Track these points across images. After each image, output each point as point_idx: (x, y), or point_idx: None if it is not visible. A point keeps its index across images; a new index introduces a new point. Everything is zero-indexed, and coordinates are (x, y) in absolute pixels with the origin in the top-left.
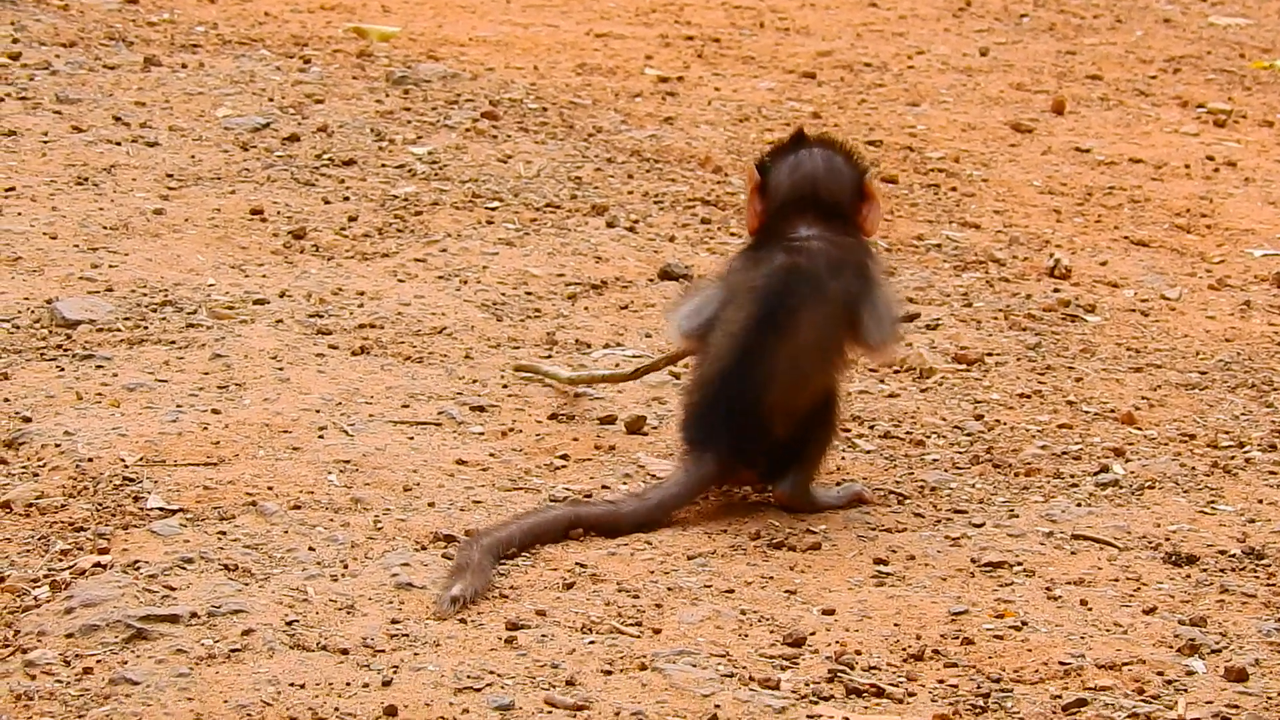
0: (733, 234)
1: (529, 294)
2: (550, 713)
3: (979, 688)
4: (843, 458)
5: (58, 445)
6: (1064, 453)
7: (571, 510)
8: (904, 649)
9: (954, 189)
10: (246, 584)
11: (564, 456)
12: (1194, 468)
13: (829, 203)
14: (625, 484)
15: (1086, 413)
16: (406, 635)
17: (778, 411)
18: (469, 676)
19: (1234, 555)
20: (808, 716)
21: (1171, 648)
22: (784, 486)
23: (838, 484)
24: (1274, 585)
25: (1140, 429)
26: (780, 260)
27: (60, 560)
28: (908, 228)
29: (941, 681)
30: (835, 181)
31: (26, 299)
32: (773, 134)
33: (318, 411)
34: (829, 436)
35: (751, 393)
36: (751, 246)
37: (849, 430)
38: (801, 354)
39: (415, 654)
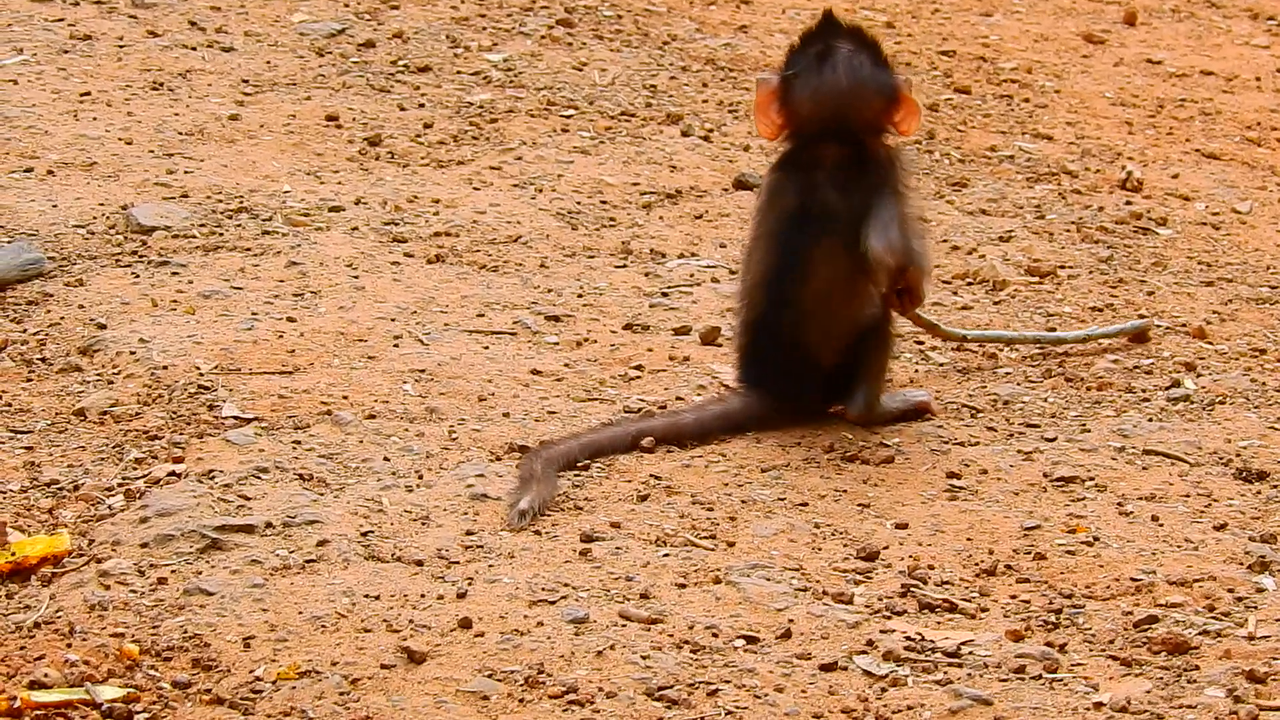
0: None
1: (604, 203)
2: (624, 625)
3: (1051, 603)
4: (916, 370)
5: (133, 353)
6: (1135, 367)
7: (634, 425)
8: (977, 564)
9: (1026, 100)
10: (321, 494)
11: (638, 367)
12: (1265, 383)
13: (857, 119)
14: (699, 395)
15: (1158, 327)
16: (481, 547)
17: (820, 347)
18: (543, 589)
19: None
20: (881, 631)
21: (1242, 564)
22: (853, 406)
23: (903, 392)
24: None
25: (1211, 344)
26: (792, 200)
27: (135, 469)
28: (981, 139)
29: (1014, 597)
30: (862, 97)
31: (102, 205)
32: None
33: (393, 320)
34: (884, 354)
35: (789, 335)
36: (777, 165)
37: (922, 343)
38: (824, 293)
39: (490, 566)
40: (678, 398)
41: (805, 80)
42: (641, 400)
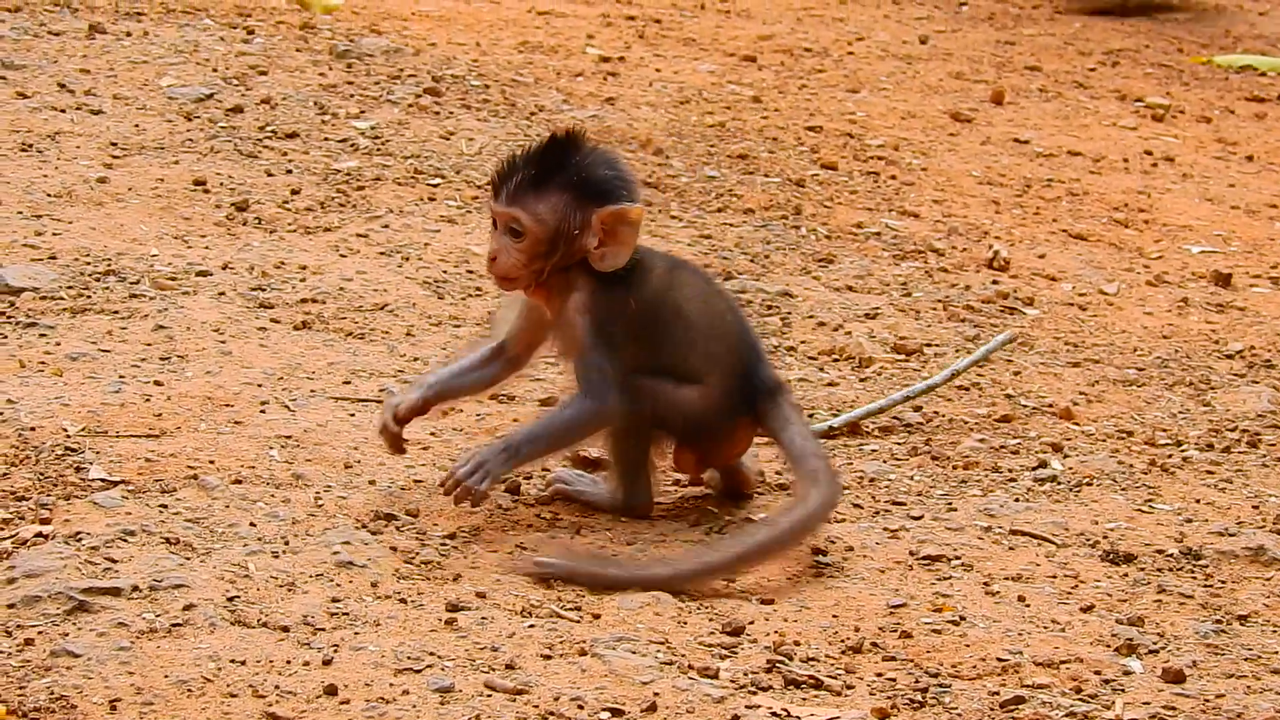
0: (673, 217)
1: (470, 272)
2: (490, 695)
3: (917, 682)
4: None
5: (0, 413)
6: (1002, 447)
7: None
8: (843, 641)
9: (893, 177)
10: (188, 558)
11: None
12: (1132, 465)
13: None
14: (564, 465)
15: (1025, 407)
16: (347, 614)
17: None
18: (409, 657)
19: (1171, 555)
20: (746, 707)
21: (1109, 647)
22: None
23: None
24: (1211, 586)
25: (1078, 424)
26: None
27: (1, 529)
28: (847, 215)
29: (880, 675)
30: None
31: None
32: (713, 117)
33: (260, 386)
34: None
35: None
36: None
37: None
38: None
39: (356, 633)
40: (544, 469)
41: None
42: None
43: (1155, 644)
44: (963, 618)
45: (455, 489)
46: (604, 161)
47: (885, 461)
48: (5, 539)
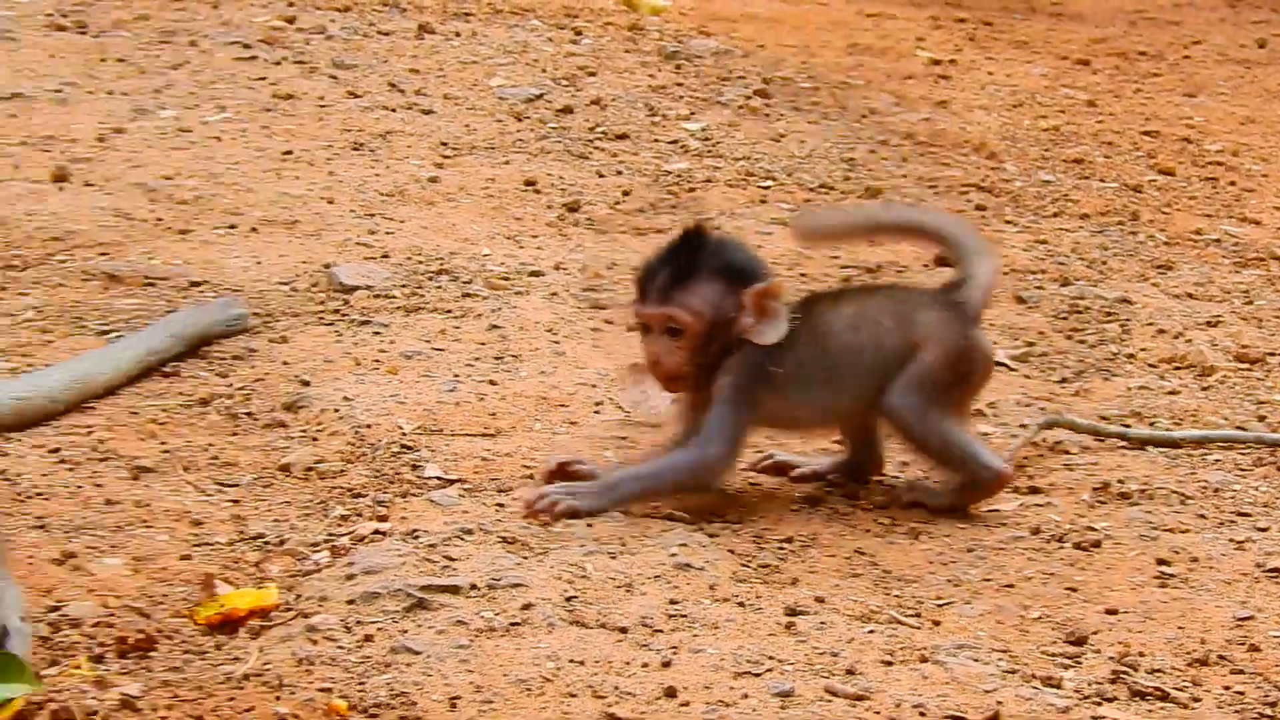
0: (1008, 221)
1: (803, 275)
2: (830, 701)
3: (1266, 696)
4: (1124, 455)
5: (336, 410)
6: None
7: None
8: (1188, 653)
9: (1233, 183)
10: (525, 558)
11: (839, 442)
12: None
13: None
14: (901, 473)
15: None
16: (685, 616)
17: None
18: (748, 660)
19: None
20: (1092, 717)
21: None
22: None
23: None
24: None
25: None
26: None
27: (340, 525)
28: (1186, 221)
29: (1227, 688)
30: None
31: (304, 263)
32: (1047, 121)
33: (594, 386)
34: None
35: None
36: None
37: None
38: None
39: (694, 635)
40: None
41: None
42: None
43: None
44: None
45: (540, 501)
46: (736, 246)
47: (1230, 472)
48: (343, 535)
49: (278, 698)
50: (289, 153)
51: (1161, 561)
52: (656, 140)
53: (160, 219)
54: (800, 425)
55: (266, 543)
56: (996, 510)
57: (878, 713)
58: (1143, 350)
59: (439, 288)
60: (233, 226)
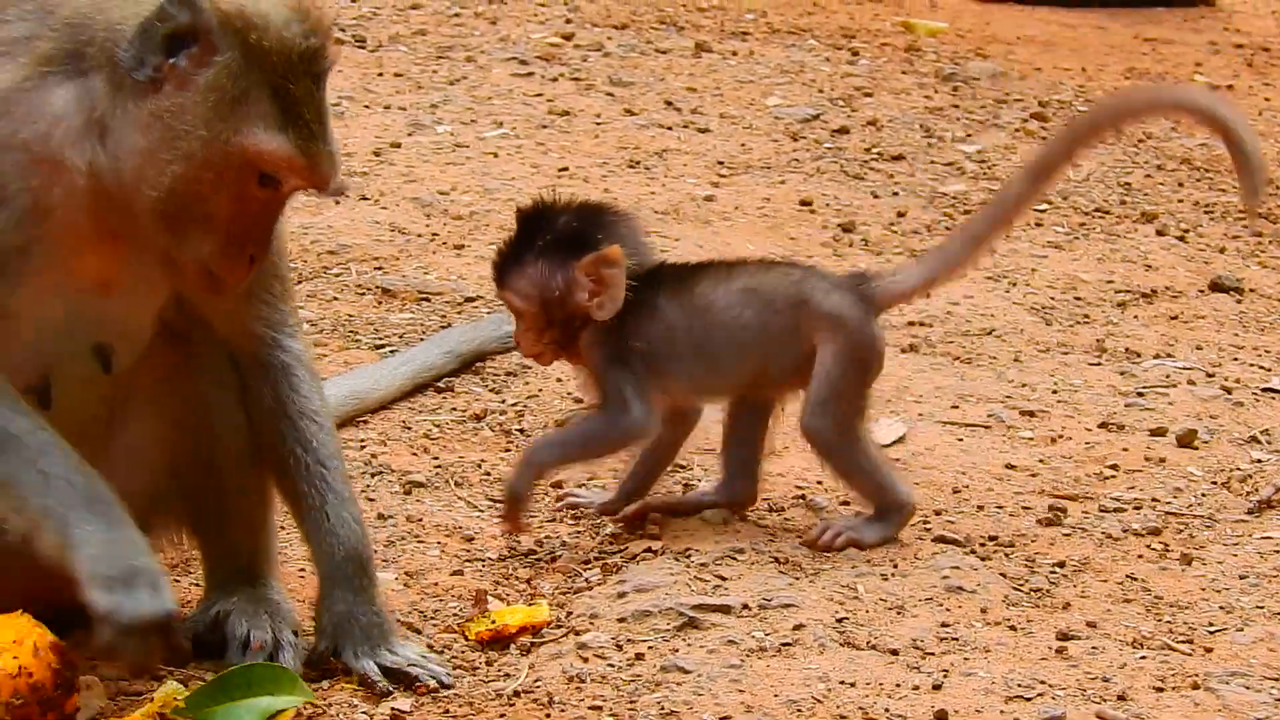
0: None
1: (1078, 299)
2: None
3: None
4: None
5: None
6: None
7: None
8: None
9: None
10: (797, 578)
11: (1113, 466)
12: None
13: None
14: (1175, 499)
15: None
16: (956, 639)
17: None
18: (1019, 684)
19: None
20: None
21: None
22: None
23: None
24: None
25: None
26: None
27: (611, 544)
28: None
29: None
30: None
31: None
32: None
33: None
34: None
35: None
36: None
37: None
38: None
39: (965, 659)
40: (1153, 499)
41: None
42: (1115, 499)
43: None
44: None
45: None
46: (571, 214)
47: None
48: (615, 553)
49: (548, 715)
50: (565, 169)
51: None
52: (933, 162)
53: (435, 234)
54: (695, 395)
55: (538, 559)
56: (1269, 537)
57: None
58: None
59: None
60: None
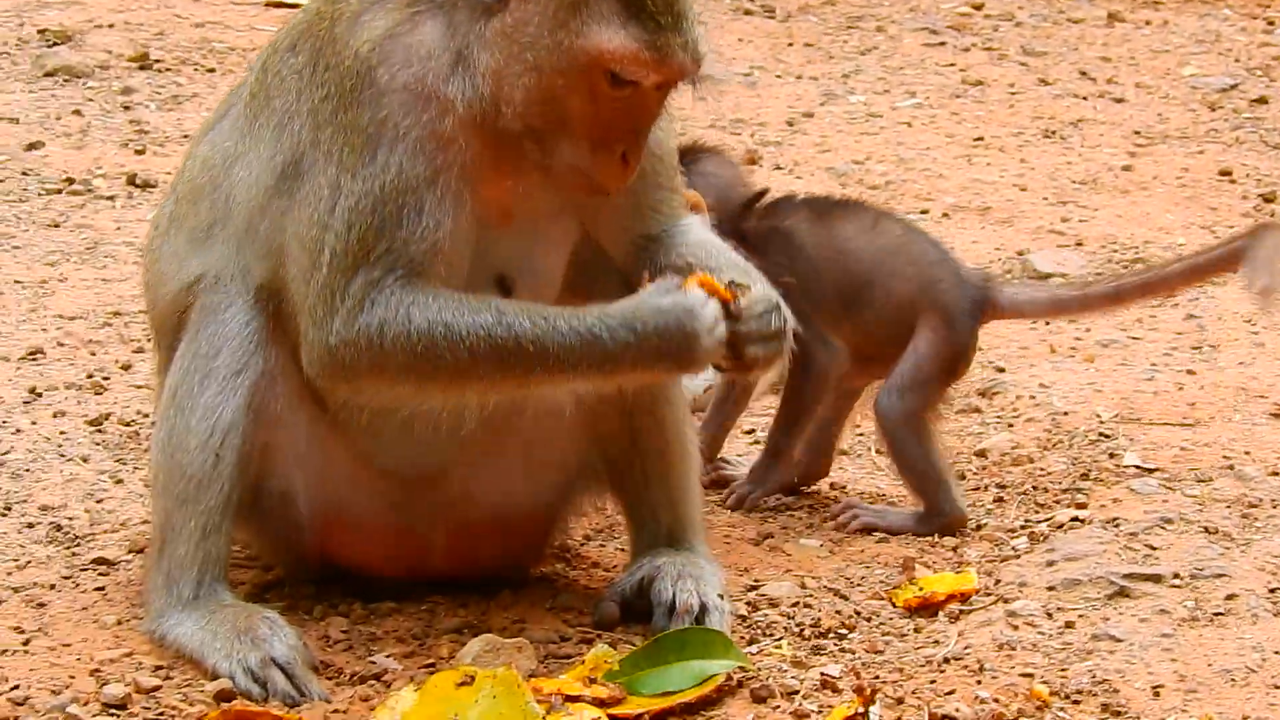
0: None
1: None
2: None
3: None
4: None
5: (1032, 397)
6: None
7: None
8: None
9: None
10: (1228, 548)
11: None
12: None
13: None
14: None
15: None
16: None
17: None
18: None
19: None
20: None
21: None
22: None
23: None
24: None
25: None
26: None
27: (1037, 512)
28: None
29: None
30: None
31: (997, 249)
32: None
33: None
34: None
35: None
36: None
37: None
38: None
39: None
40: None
41: None
42: None
43: None
44: None
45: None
46: None
47: None
48: (1042, 522)
49: (979, 681)
50: (980, 139)
51: None
52: None
53: None
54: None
55: (964, 530)
56: None
57: None
58: None
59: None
60: (924, 212)
